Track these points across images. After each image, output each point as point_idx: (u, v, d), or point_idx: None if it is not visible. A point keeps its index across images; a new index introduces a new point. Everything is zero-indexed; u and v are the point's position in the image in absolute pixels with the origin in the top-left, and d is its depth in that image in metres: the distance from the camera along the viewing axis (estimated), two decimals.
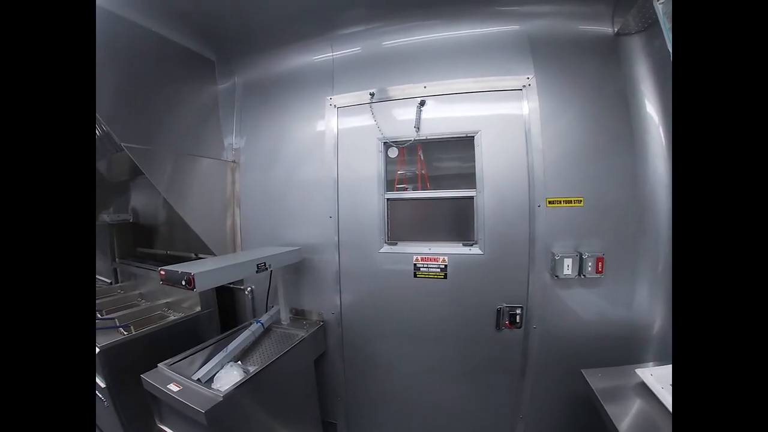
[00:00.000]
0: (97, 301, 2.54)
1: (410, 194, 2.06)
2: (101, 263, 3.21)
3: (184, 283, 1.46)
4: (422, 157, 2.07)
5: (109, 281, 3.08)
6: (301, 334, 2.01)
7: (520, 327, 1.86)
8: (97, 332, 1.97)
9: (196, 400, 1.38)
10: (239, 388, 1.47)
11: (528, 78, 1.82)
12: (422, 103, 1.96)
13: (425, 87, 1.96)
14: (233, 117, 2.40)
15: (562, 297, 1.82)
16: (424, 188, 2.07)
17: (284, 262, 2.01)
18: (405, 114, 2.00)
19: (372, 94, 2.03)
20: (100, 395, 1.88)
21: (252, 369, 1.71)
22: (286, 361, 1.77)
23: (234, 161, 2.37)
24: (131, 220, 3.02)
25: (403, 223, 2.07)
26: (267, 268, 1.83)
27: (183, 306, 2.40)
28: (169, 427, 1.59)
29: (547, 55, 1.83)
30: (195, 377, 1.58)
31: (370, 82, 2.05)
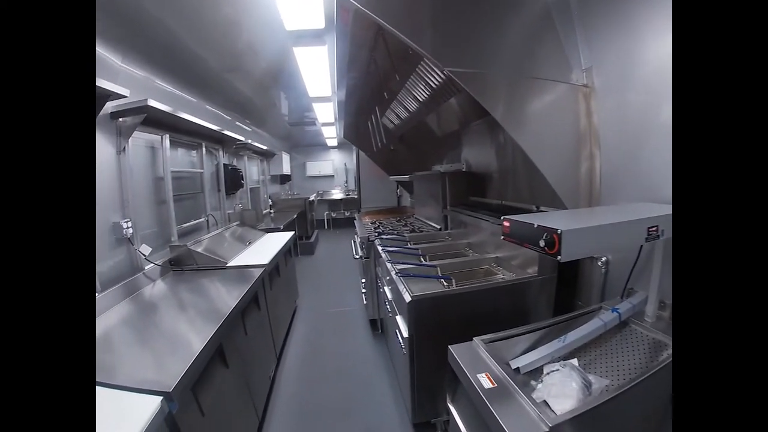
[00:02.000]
0: (421, 246, 2.71)
1: None
2: (432, 210, 3.54)
3: (543, 244, 1.00)
4: None
5: (438, 227, 3.35)
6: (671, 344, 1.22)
7: None
8: (417, 279, 2.00)
9: (511, 416, 0.96)
10: (575, 418, 0.92)
11: None
12: None
13: None
14: (574, 27, 1.71)
15: None
16: None
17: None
18: None
19: None
20: (401, 342, 1.89)
21: (593, 380, 1.11)
22: (647, 386, 1.07)
23: (586, 85, 1.71)
24: (464, 169, 3.06)
25: None
26: (659, 236, 1.14)
27: (512, 264, 2.11)
28: (458, 413, 1.29)
29: None
30: (514, 364, 1.18)
31: None
